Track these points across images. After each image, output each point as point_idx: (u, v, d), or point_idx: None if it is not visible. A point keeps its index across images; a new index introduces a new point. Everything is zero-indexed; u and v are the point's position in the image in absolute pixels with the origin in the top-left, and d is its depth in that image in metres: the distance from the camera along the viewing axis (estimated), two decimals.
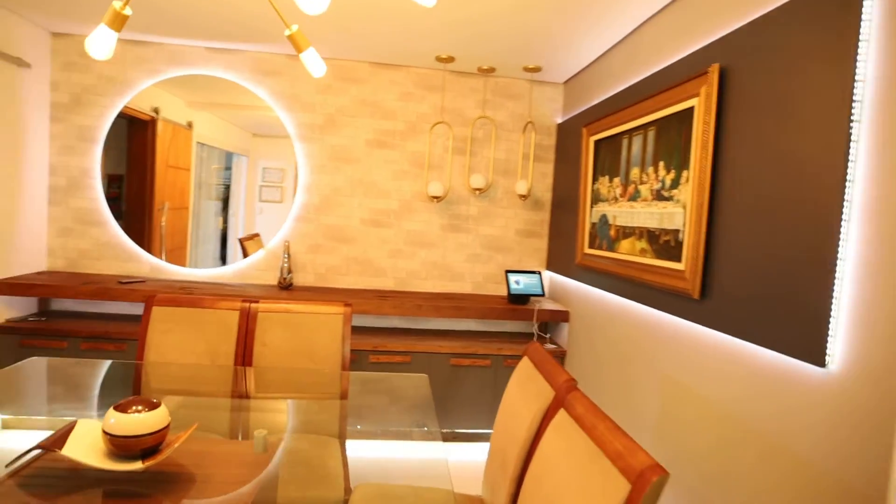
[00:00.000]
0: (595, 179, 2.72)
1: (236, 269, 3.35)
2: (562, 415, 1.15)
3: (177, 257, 3.40)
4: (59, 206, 3.24)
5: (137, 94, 3.23)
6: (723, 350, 1.66)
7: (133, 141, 3.40)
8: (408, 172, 3.37)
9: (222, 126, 3.48)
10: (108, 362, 2.16)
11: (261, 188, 3.41)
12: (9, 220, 2.93)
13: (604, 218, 2.59)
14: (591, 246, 2.73)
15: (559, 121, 3.42)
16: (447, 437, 3.02)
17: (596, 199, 2.70)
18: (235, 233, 3.45)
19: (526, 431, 1.30)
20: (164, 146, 3.41)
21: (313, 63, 1.29)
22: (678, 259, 1.88)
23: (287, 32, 1.26)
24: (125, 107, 3.24)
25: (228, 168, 3.50)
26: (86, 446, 1.16)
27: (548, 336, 3.31)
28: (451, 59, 3.07)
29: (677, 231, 1.90)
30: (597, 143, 2.70)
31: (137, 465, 1.15)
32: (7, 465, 1.18)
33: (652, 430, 2.07)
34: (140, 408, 1.18)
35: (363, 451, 1.64)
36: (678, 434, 1.88)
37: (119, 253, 3.29)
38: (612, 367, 2.47)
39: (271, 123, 3.32)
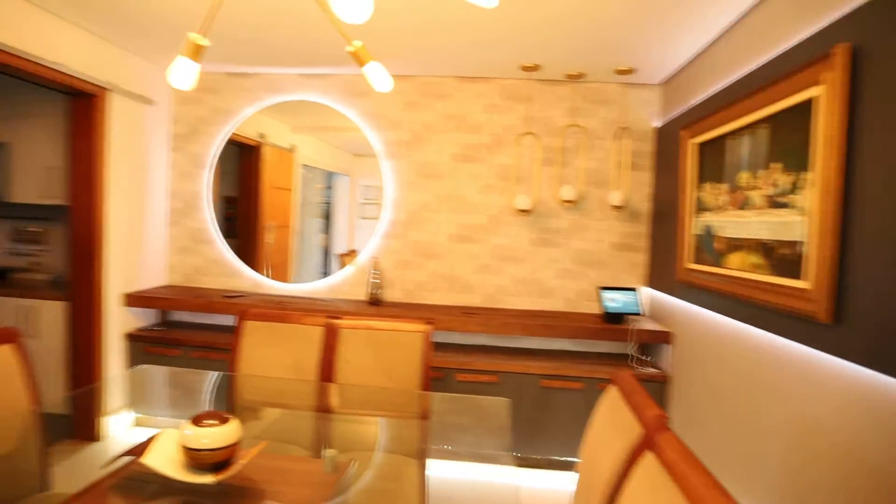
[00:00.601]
0: (698, 186, 2.45)
1: (329, 284, 3.47)
2: (649, 458, 0.99)
3: (280, 273, 3.60)
4: (177, 226, 3.57)
5: (245, 122, 3.49)
6: (863, 387, 1.37)
7: (243, 165, 3.68)
8: (495, 186, 3.30)
9: (324, 148, 3.66)
10: (210, 373, 2.30)
11: (361, 205, 3.52)
12: (137, 240, 3.28)
13: (708, 229, 2.32)
14: (695, 260, 2.46)
15: (657, 125, 3.17)
16: (532, 464, 2.85)
17: (699, 208, 2.43)
18: (336, 249, 3.59)
19: (609, 472, 1.15)
20: (269, 169, 3.65)
21: (377, 77, 1.27)
22: (799, 276, 1.60)
23: (349, 49, 1.25)
24: (236, 134, 3.52)
25: (330, 187, 3.67)
26: (166, 456, 1.21)
27: (647, 359, 3.04)
28: (536, 68, 2.96)
29: (797, 243, 1.63)
30: (700, 146, 2.44)
31: (209, 479, 1.17)
32: (101, 467, 1.26)
33: (772, 480, 1.77)
34: (213, 422, 1.21)
35: (437, 472, 1.57)
36: (808, 489, 1.58)
37: (225, 269, 3.55)
38: (724, 398, 2.17)
39: (368, 143, 3.41)
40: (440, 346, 3.14)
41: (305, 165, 3.63)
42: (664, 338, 2.81)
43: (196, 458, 1.18)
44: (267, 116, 3.52)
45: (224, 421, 1.23)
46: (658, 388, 2.78)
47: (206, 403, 2.04)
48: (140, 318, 3.33)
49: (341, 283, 3.45)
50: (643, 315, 3.11)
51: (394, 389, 2.06)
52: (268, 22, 2.48)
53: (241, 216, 3.69)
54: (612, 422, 1.30)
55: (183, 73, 1.25)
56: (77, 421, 2.72)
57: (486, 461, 2.27)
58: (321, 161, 3.69)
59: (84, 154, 2.94)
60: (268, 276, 3.55)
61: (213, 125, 3.50)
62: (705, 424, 2.32)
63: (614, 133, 3.18)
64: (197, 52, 1.24)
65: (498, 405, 1.91)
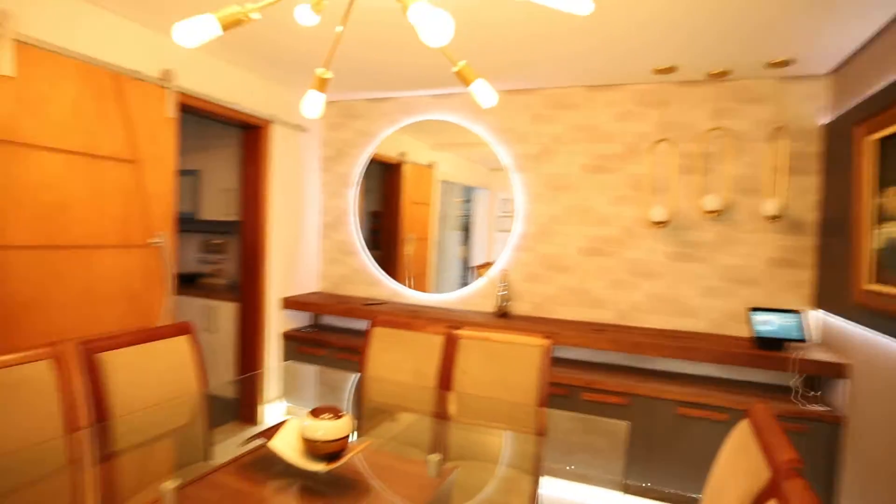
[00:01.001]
0: (878, 192, 2.06)
1: (462, 295, 3.57)
2: None
3: (420, 283, 3.78)
4: (327, 239, 3.97)
5: (387, 143, 3.76)
6: None
7: (386, 182, 3.97)
8: (628, 197, 3.12)
9: (462, 163, 3.78)
10: (348, 373, 2.50)
11: (499, 218, 3.58)
12: (294, 250, 3.72)
13: (894, 243, 1.93)
14: (877, 280, 2.06)
15: (824, 122, 2.73)
16: (655, 496, 2.59)
17: (881, 217, 2.04)
18: (474, 261, 3.69)
19: None
20: (410, 185, 3.88)
21: (482, 94, 1.29)
22: None
23: (454, 69, 1.30)
24: (379, 154, 3.81)
25: (469, 201, 3.79)
26: (289, 442, 1.35)
27: (815, 394, 2.60)
28: (671, 70, 2.75)
29: None
30: (881, 142, 2.05)
31: (321, 467, 1.28)
32: (238, 446, 1.45)
33: None
34: (328, 416, 1.32)
35: (549, 490, 1.52)
36: None
37: (366, 278, 3.85)
38: None
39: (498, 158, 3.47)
40: (567, 363, 3.04)
41: (444, 181, 3.77)
42: (838, 370, 2.38)
43: (312, 447, 1.30)
44: (407, 136, 3.76)
45: (338, 416, 1.33)
46: (827, 430, 2.36)
47: (343, 402, 2.22)
48: (295, 320, 3.75)
49: (473, 294, 3.53)
50: (810, 342, 2.68)
51: (510, 402, 2.04)
52: (392, 53, 2.68)
53: (384, 230, 3.97)
54: (737, 460, 1.14)
55: (312, 103, 1.42)
56: (242, 405, 3.15)
57: (598, 484, 2.15)
58: (459, 176, 3.81)
59: (252, 177, 3.43)
60: (410, 286, 3.74)
61: (356, 147, 3.84)
62: (891, 482, 1.92)
63: (768, 134, 2.81)
64: (323, 85, 1.39)
65: (617, 428, 1.79)
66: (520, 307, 3.37)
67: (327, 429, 1.29)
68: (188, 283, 4.23)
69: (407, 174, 3.87)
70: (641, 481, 2.63)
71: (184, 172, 4.12)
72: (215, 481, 1.30)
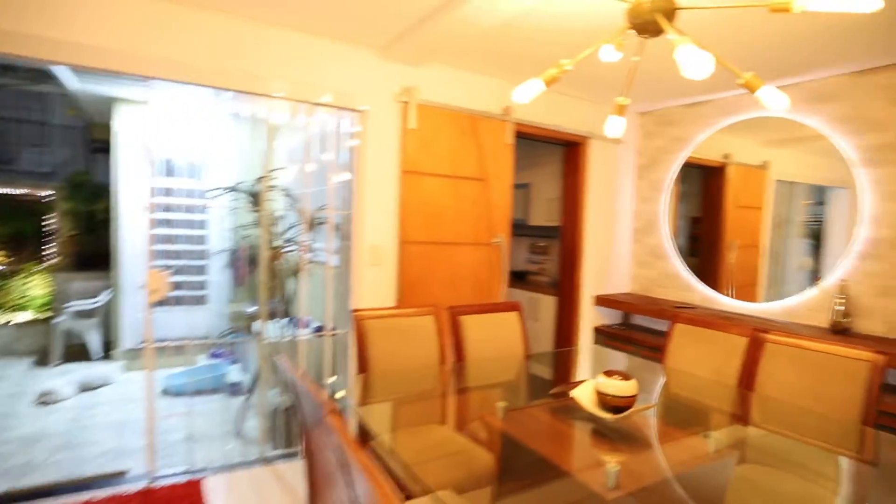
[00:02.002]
0: None
1: (784, 306, 3.26)
2: None
3: (745, 293, 3.51)
4: (638, 243, 4.17)
5: (706, 146, 3.70)
6: None
7: (706, 186, 3.92)
8: None
9: (810, 160, 3.27)
10: (651, 362, 2.72)
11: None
12: (607, 253, 4.07)
13: None
14: None
15: None
16: None
17: None
18: (826, 273, 3.08)
19: None
20: (734, 188, 3.73)
21: (770, 98, 1.35)
22: None
23: (739, 81, 1.40)
24: (697, 157, 3.78)
25: (823, 203, 3.23)
26: (585, 395, 1.71)
27: None
28: None
29: None
30: None
31: (609, 416, 1.59)
32: (549, 394, 1.90)
33: None
34: (618, 378, 1.63)
35: None
36: None
37: (678, 282, 3.88)
38: None
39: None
40: None
41: (780, 181, 3.42)
42: None
43: (603, 400, 1.62)
44: (732, 136, 3.59)
45: (626, 379, 1.62)
46: None
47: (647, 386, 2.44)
48: (606, 317, 4.09)
49: (799, 306, 3.18)
50: None
51: (824, 416, 1.90)
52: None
53: (703, 235, 3.92)
54: None
55: (614, 126, 1.74)
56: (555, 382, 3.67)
57: None
58: (803, 175, 3.34)
59: (571, 187, 3.93)
60: (730, 295, 3.58)
61: (670, 153, 3.92)
62: None
63: None
64: (622, 110, 1.69)
65: None
66: (867, 325, 2.87)
67: (618, 387, 1.60)
68: (518, 278, 5.06)
69: (731, 177, 3.72)
70: None
71: (517, 186, 4.97)
72: (531, 413, 1.77)
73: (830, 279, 3.02)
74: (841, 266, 2.98)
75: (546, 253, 5.10)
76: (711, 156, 3.73)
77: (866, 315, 2.87)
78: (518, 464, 1.53)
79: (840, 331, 2.86)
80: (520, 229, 5.21)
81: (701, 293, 3.72)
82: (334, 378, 3.07)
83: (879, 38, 2.40)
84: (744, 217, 3.66)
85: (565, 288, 4.03)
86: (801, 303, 3.16)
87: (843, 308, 2.87)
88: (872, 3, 1.10)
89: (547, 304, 4.37)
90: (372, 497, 0.81)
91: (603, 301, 3.95)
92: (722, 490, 1.39)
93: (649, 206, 4.08)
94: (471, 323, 2.45)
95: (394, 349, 2.25)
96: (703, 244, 3.91)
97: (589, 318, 3.99)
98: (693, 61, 1.19)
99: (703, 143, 3.73)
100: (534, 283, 4.88)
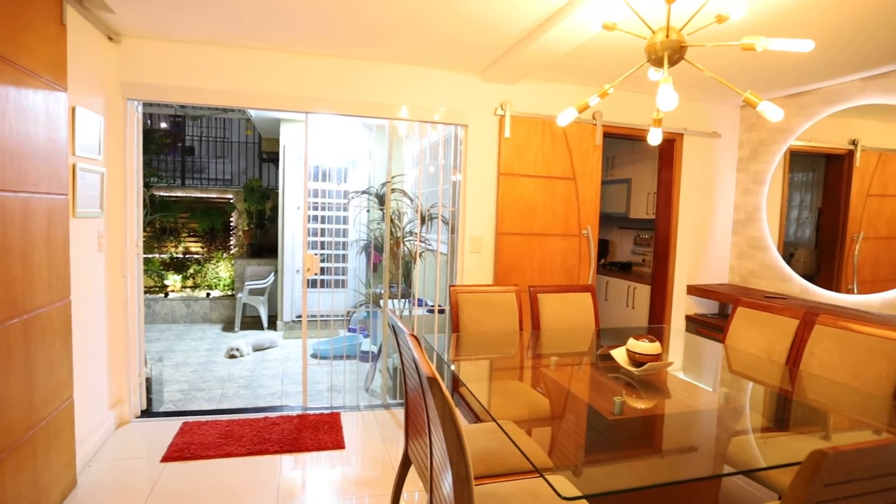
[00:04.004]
0: None
1: (884, 299, 3.21)
2: None
3: (873, 289, 3.35)
4: (738, 234, 4.23)
5: (828, 131, 3.60)
6: None
7: (828, 175, 3.85)
8: None
9: None
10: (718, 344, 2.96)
11: None
12: (703, 244, 4.20)
13: None
14: None
15: None
16: None
17: None
18: None
19: None
20: (864, 176, 3.61)
21: (769, 111, 1.62)
22: None
23: (742, 98, 1.69)
24: (815, 145, 3.70)
25: None
26: (621, 354, 2.12)
27: None
28: None
29: None
30: None
31: (635, 370, 2.00)
32: (597, 353, 2.32)
33: None
34: (645, 341, 2.02)
35: None
36: None
37: (776, 274, 3.90)
38: None
39: None
40: None
41: None
42: None
43: (632, 357, 2.03)
44: (862, 120, 3.44)
45: (652, 342, 2.01)
46: None
47: (708, 365, 2.70)
48: (701, 306, 4.23)
49: None
50: None
51: (860, 391, 2.08)
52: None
53: (824, 227, 3.85)
54: None
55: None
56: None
57: None
58: None
59: (666, 181, 4.15)
60: (853, 291, 3.46)
61: (771, 145, 3.94)
62: None
63: None
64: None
65: None
66: None
67: (643, 347, 2.00)
68: (624, 269, 5.31)
69: (860, 164, 3.61)
70: None
71: (618, 181, 5.22)
72: (578, 367, 2.22)
73: None
74: None
75: (648, 245, 5.27)
76: (834, 143, 3.62)
77: None
78: (560, 403, 2.01)
79: None
80: (622, 222, 5.44)
81: (800, 285, 3.73)
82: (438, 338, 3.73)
83: None
84: (880, 206, 3.49)
85: (658, 277, 4.25)
86: None
87: None
88: (807, 46, 1.39)
89: (642, 293, 4.60)
90: (421, 362, 1.39)
91: (694, 290, 4.11)
92: (710, 427, 1.74)
93: (750, 198, 4.13)
94: (547, 300, 2.92)
95: (480, 318, 2.82)
96: (823, 236, 3.83)
97: (682, 306, 4.17)
98: (666, 97, 1.56)
99: (823, 131, 3.60)
100: (636, 273, 5.10)
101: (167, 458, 2.70)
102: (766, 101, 1.69)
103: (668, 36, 1.77)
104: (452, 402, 1.30)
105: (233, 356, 4.99)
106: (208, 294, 6.80)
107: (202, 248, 7.66)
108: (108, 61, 2.92)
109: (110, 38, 2.92)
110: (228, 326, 6.34)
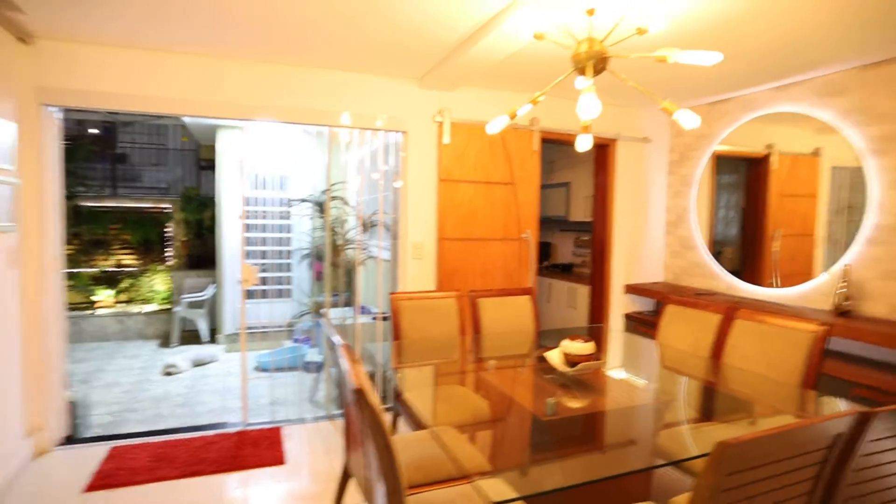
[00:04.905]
0: None
1: (800, 291, 3.44)
2: None
3: (797, 282, 3.47)
4: (670, 234, 4.43)
5: (747, 137, 3.79)
6: None
7: (749, 177, 4.08)
8: None
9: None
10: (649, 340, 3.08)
11: None
12: (638, 245, 4.38)
13: None
14: None
15: None
16: None
17: None
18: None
19: None
20: (778, 177, 3.83)
21: (685, 119, 1.72)
22: None
23: (660, 106, 1.78)
24: (735, 150, 3.92)
25: None
26: (556, 356, 2.17)
27: None
28: None
29: None
30: None
31: (568, 370, 2.06)
32: (535, 355, 2.37)
33: None
34: (579, 341, 2.08)
35: None
36: None
37: (705, 271, 4.12)
38: None
39: None
40: (862, 361, 2.62)
41: (837, 167, 3.32)
42: None
43: (567, 357, 2.09)
44: (779, 126, 3.61)
45: (587, 342, 2.07)
46: None
47: (642, 359, 2.81)
48: (639, 304, 4.40)
49: (812, 291, 3.36)
50: None
51: (776, 381, 2.21)
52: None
53: (748, 225, 4.08)
54: None
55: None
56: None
57: None
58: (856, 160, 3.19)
59: (601, 185, 4.30)
60: (774, 284, 3.64)
61: (698, 149, 4.16)
62: None
63: None
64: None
65: None
66: (871, 308, 3.02)
67: (577, 347, 2.06)
68: (565, 270, 5.44)
69: (775, 166, 3.83)
70: None
71: (557, 185, 5.37)
72: (516, 370, 2.26)
73: (837, 265, 3.19)
74: (850, 252, 3.14)
75: (588, 247, 5.44)
76: (754, 147, 3.83)
77: (870, 298, 3.03)
78: (500, 407, 2.04)
79: (842, 313, 3.04)
80: (563, 225, 5.59)
81: (726, 281, 3.95)
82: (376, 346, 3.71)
83: (887, 33, 2.58)
84: (794, 206, 3.71)
85: (597, 278, 4.39)
86: (814, 288, 3.34)
87: (844, 291, 3.05)
88: (714, 58, 1.49)
89: (583, 294, 4.74)
90: (350, 374, 1.37)
91: (631, 289, 4.27)
92: (641, 422, 1.81)
93: (680, 200, 4.33)
94: (487, 305, 2.96)
95: (422, 324, 2.81)
96: (745, 235, 4.06)
97: (620, 305, 4.32)
98: (587, 106, 1.63)
99: (745, 136, 3.80)
100: (577, 274, 5.24)
101: (91, 488, 2.54)
102: (683, 109, 1.78)
103: (591, 47, 1.84)
104: (381, 413, 1.30)
105: (169, 373, 4.76)
106: (140, 311, 6.47)
107: (137, 260, 7.29)
108: (18, 65, 2.73)
109: (21, 40, 2.74)
110: (165, 342, 6.05)
